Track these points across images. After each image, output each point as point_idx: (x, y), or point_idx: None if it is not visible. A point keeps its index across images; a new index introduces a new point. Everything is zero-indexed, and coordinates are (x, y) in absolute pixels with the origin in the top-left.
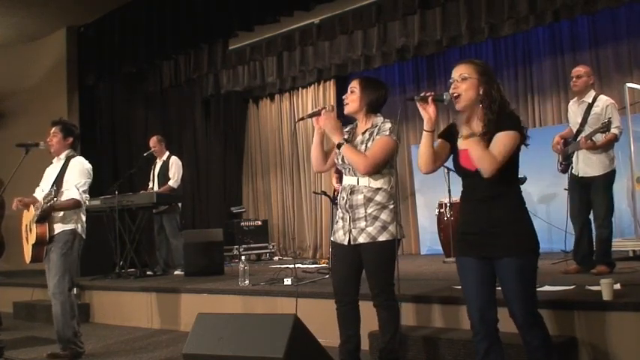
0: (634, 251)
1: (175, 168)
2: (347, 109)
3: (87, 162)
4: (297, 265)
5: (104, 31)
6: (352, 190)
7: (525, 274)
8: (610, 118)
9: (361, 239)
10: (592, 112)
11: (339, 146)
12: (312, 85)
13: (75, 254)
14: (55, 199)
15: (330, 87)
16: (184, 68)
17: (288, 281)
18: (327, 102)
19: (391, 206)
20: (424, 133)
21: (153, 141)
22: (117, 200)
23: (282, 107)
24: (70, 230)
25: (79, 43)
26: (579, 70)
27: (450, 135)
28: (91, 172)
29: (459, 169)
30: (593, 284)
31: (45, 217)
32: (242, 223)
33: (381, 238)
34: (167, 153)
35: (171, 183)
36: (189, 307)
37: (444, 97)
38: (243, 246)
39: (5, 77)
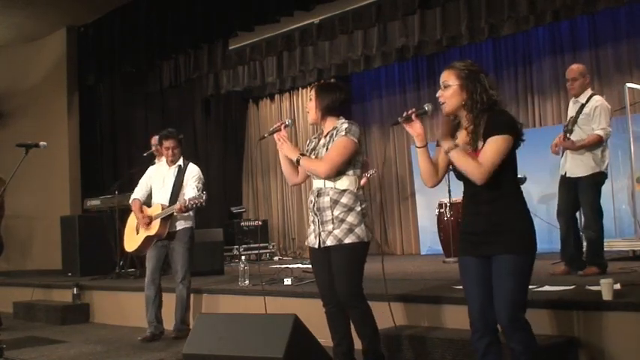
0: (634, 251)
1: None
2: (308, 119)
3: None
4: (297, 266)
5: (104, 31)
6: (319, 193)
7: (518, 272)
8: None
9: (329, 242)
10: (583, 112)
11: (297, 162)
12: (312, 85)
13: (194, 248)
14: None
15: None
16: (184, 68)
17: (288, 281)
18: None
19: (358, 208)
20: (418, 150)
21: (155, 139)
22: (117, 200)
23: (282, 107)
24: (189, 227)
25: (79, 43)
26: (572, 70)
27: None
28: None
29: (457, 173)
30: (593, 284)
31: (171, 217)
32: (242, 223)
33: (347, 241)
34: None
35: None
36: (190, 307)
37: (425, 109)
38: (243, 246)
39: (5, 77)
